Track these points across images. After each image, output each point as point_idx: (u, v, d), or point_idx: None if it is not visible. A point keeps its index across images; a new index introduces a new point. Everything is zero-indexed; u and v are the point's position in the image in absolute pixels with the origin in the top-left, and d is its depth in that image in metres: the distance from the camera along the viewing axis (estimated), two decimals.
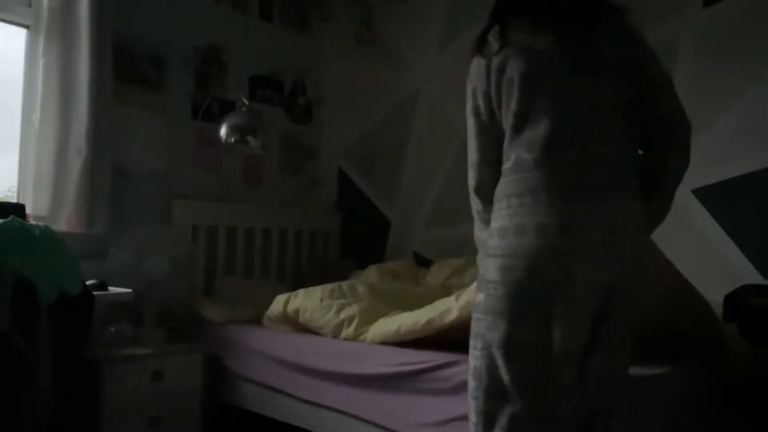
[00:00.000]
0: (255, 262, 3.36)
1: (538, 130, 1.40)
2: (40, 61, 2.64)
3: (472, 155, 1.53)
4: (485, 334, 1.42)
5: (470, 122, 1.53)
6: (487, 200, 1.49)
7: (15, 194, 2.71)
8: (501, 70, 1.44)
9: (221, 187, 3.34)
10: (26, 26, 2.71)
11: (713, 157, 2.51)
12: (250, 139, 2.99)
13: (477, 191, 1.53)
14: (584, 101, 1.41)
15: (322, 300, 2.50)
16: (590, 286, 1.37)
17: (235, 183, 3.42)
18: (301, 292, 2.60)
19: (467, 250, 3.17)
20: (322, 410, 2.31)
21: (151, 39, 3.04)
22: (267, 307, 2.71)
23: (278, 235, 3.48)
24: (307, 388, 2.36)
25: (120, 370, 2.42)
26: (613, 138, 1.42)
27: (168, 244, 2.75)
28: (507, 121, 1.44)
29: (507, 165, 1.44)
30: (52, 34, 2.64)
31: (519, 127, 1.43)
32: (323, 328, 2.44)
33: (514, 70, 1.42)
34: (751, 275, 2.37)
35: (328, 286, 2.60)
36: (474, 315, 1.47)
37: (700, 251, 2.50)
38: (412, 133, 3.50)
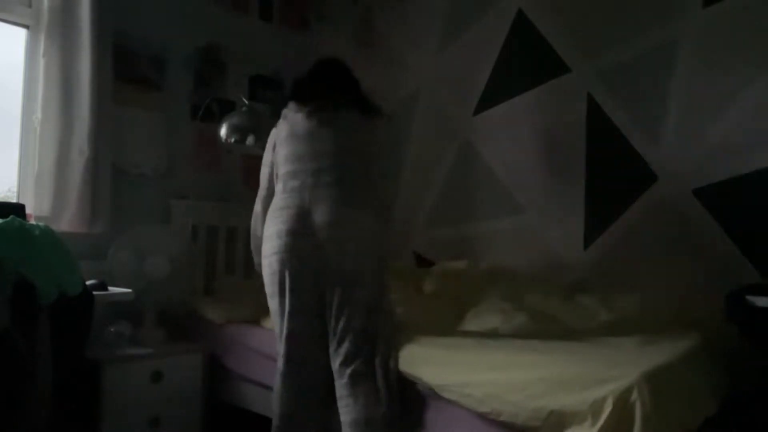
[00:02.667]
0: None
1: (289, 168, 2.16)
2: (41, 62, 2.64)
3: (262, 191, 2.32)
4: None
5: (264, 172, 2.29)
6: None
7: (15, 194, 2.71)
8: (279, 133, 2.22)
9: (221, 187, 3.34)
10: (26, 26, 2.71)
11: (713, 157, 2.51)
12: (250, 139, 2.99)
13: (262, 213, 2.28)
14: (311, 151, 2.12)
15: None
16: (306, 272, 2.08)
17: (235, 183, 3.42)
18: None
19: (468, 249, 3.19)
20: None
21: (151, 39, 3.04)
22: (267, 307, 2.70)
23: None
24: None
25: (120, 370, 2.43)
26: (336, 171, 2.09)
27: (168, 244, 2.75)
28: (278, 163, 2.21)
29: (278, 187, 2.20)
30: (53, 34, 2.64)
31: (283, 166, 2.19)
32: None
33: (282, 132, 2.20)
34: (751, 275, 2.37)
35: None
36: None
37: (700, 251, 2.50)
38: (411, 133, 3.50)
